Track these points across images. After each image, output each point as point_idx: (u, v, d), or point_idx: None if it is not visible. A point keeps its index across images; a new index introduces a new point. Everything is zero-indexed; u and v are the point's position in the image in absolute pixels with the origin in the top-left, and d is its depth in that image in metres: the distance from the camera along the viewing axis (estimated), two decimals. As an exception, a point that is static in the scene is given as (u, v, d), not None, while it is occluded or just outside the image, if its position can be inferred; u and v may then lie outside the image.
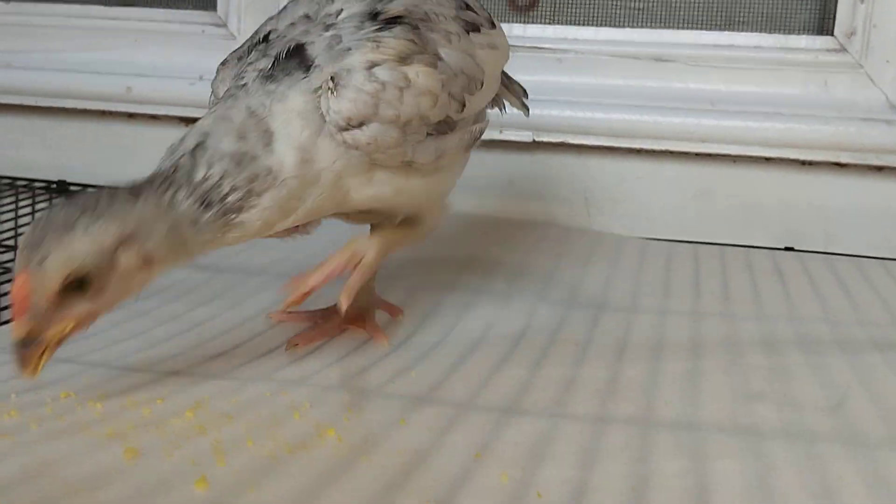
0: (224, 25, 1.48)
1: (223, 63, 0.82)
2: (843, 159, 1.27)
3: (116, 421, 0.65)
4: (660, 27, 1.36)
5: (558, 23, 1.42)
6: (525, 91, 1.00)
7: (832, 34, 1.29)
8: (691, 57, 1.32)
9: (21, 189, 1.54)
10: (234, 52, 0.82)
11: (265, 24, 0.81)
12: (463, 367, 0.80)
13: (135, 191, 0.66)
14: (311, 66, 0.72)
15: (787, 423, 0.69)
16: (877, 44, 1.26)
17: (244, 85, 0.72)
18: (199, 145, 0.68)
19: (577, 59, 1.36)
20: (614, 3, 1.40)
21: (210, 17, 1.50)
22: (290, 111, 0.70)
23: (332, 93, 0.70)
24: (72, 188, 1.52)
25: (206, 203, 0.68)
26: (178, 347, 0.83)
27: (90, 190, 0.66)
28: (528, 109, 1.03)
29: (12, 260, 1.34)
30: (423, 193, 0.80)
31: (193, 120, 1.55)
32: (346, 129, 0.71)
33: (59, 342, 0.64)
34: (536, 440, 0.65)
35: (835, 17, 1.28)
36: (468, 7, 0.83)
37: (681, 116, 1.31)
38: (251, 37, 0.81)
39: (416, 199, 0.81)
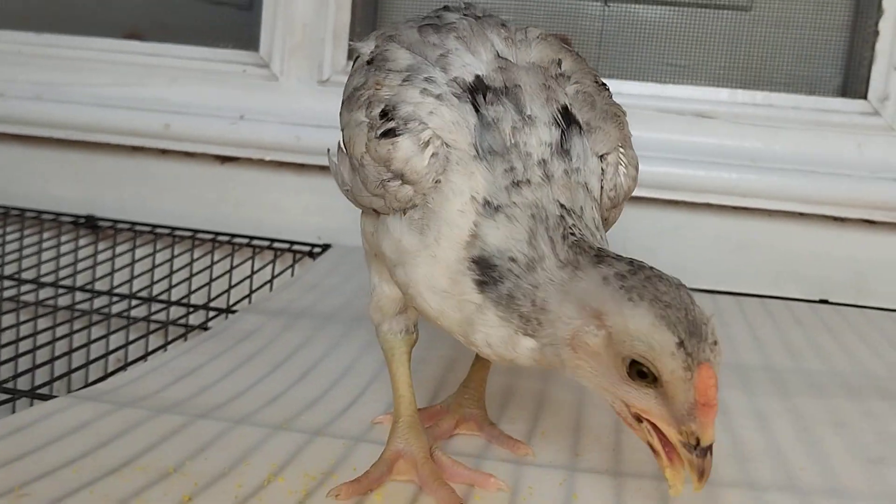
0: (266, 66, 1.48)
1: (439, 97, 0.64)
2: (875, 217, 1.34)
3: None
4: (702, 84, 1.41)
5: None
6: None
7: (866, 98, 1.36)
8: (732, 114, 1.38)
9: (47, 223, 1.51)
10: (433, 84, 0.64)
11: (438, 61, 0.66)
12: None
13: (622, 256, 0.59)
14: (581, 127, 0.66)
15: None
16: (910, 109, 1.33)
17: (543, 161, 0.62)
18: (566, 212, 0.61)
19: (621, 113, 1.40)
20: (656, 59, 1.45)
21: (252, 57, 1.49)
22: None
23: (621, 167, 0.67)
24: (100, 223, 1.50)
25: None
26: (299, 403, 0.83)
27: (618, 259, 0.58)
28: None
29: (43, 298, 1.31)
30: None
31: (231, 159, 1.57)
32: (615, 206, 0.68)
33: None
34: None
35: (868, 82, 1.35)
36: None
37: (722, 171, 1.36)
38: (432, 75, 0.65)
39: None
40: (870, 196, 1.33)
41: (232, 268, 1.39)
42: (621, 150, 0.67)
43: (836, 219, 1.36)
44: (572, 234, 0.59)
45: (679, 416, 0.55)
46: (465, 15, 0.74)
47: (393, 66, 0.67)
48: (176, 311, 1.31)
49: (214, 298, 1.31)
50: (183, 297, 1.30)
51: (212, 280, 1.37)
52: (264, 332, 1.04)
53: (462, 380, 0.83)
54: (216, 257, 1.42)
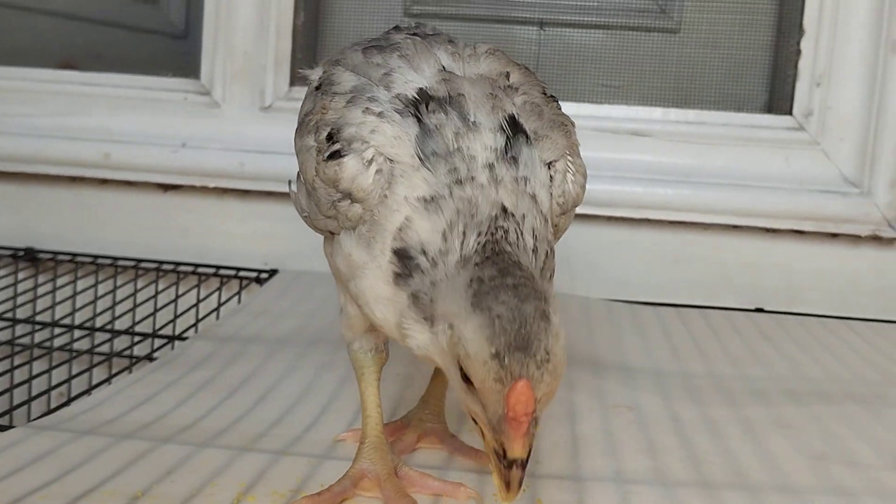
0: (208, 93, 1.48)
1: (380, 115, 0.65)
2: (805, 227, 1.40)
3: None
4: (635, 104, 1.46)
5: (537, 97, 1.50)
6: None
7: (791, 114, 1.42)
8: (666, 132, 1.43)
9: (-16, 257, 1.48)
10: (375, 102, 0.66)
11: (382, 80, 0.67)
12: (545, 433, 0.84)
13: (512, 262, 0.58)
14: (528, 136, 0.66)
15: (866, 481, 0.77)
16: (832, 124, 1.40)
17: (491, 165, 0.63)
18: (505, 213, 0.61)
19: (560, 133, 1.44)
20: (592, 81, 1.50)
21: (193, 84, 1.50)
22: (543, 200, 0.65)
23: (569, 174, 0.69)
24: (40, 255, 1.48)
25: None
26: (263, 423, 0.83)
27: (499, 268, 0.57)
28: None
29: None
30: None
31: (174, 187, 1.56)
32: (564, 213, 0.69)
33: None
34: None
35: (793, 98, 1.41)
36: None
37: (658, 187, 1.41)
38: (375, 94, 0.66)
39: None
40: (799, 207, 1.39)
41: (177, 296, 1.38)
42: (569, 157, 0.69)
43: (767, 230, 1.42)
44: (492, 234, 0.60)
45: (493, 426, 0.55)
46: (413, 34, 0.75)
47: (338, 88, 0.68)
48: (120, 343, 1.29)
49: (161, 328, 1.31)
50: (128, 328, 1.29)
51: (157, 310, 1.36)
52: (217, 358, 1.04)
53: (420, 395, 0.85)
54: (161, 286, 1.41)
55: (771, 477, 0.77)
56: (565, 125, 0.71)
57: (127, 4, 1.83)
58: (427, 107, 0.65)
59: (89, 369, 1.15)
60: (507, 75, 0.70)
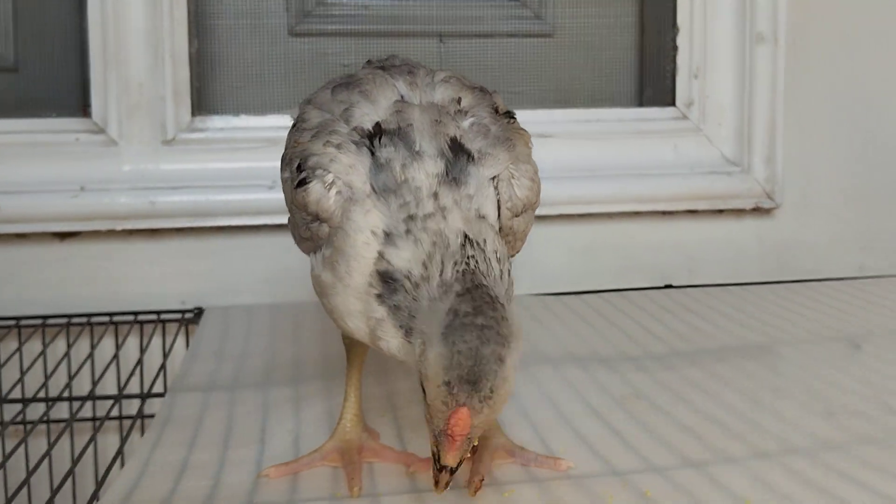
0: (102, 131, 1.39)
1: (338, 147, 0.73)
2: (697, 207, 1.53)
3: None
4: (536, 107, 1.53)
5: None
6: None
7: (674, 105, 1.54)
8: (568, 132, 1.51)
9: None
10: (335, 135, 0.74)
11: (343, 115, 0.76)
12: (575, 430, 0.89)
13: (489, 298, 0.65)
14: (472, 156, 0.73)
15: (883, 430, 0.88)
16: (710, 111, 1.54)
17: (435, 194, 0.70)
18: (469, 242, 0.68)
19: (470, 141, 1.48)
20: (494, 88, 1.55)
21: (83, 123, 1.40)
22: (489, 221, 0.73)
23: (514, 180, 0.76)
24: (-74, 327, 1.34)
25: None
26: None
27: (480, 299, 0.65)
28: None
29: None
30: None
31: (72, 234, 1.44)
32: (517, 216, 0.77)
33: None
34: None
35: (674, 91, 1.54)
36: None
37: (567, 183, 1.49)
38: (336, 128, 0.74)
39: None
40: (690, 189, 1.52)
41: (93, 349, 1.29)
42: (511, 167, 0.76)
43: (665, 213, 1.54)
44: (467, 264, 0.68)
45: (434, 435, 0.66)
46: (378, 67, 0.82)
47: (307, 125, 0.78)
48: (34, 410, 1.19)
49: (94, 384, 1.22)
50: (38, 391, 1.20)
51: (71, 368, 1.26)
52: (216, 409, 0.99)
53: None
54: (73, 341, 1.32)
55: (808, 440, 0.86)
56: (510, 139, 0.78)
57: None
58: (380, 140, 0.73)
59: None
60: (459, 100, 0.78)
